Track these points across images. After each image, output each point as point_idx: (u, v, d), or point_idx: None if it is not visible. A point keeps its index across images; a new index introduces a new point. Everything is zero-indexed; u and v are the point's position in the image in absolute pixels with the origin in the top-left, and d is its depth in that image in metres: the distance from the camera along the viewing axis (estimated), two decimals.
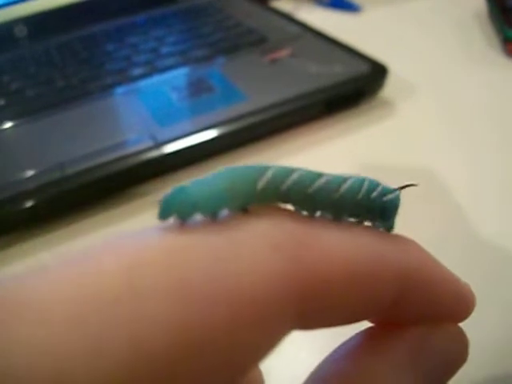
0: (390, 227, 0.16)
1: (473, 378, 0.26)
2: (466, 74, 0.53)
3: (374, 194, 0.15)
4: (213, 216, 0.13)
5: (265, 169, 0.14)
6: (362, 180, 0.15)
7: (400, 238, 0.16)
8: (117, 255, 0.12)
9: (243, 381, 0.15)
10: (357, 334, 0.17)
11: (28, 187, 0.37)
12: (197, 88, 0.47)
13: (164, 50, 0.55)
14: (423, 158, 0.41)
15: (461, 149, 0.42)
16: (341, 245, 0.14)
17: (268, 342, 0.13)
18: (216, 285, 0.11)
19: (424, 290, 0.15)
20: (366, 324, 0.17)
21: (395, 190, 0.16)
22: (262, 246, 0.12)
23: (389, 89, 0.48)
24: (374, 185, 0.15)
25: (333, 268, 0.13)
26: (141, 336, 0.10)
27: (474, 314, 0.17)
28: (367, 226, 0.16)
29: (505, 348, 0.28)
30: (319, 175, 0.15)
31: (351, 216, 0.15)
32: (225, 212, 0.13)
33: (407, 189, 0.16)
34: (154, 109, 0.45)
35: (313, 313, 0.13)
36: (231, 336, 0.12)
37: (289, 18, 0.60)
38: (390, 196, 0.15)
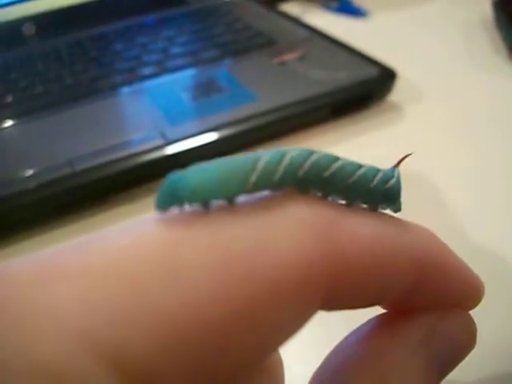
0: (397, 209, 0.16)
1: (478, 373, 0.26)
2: (472, 79, 0.53)
3: (375, 182, 0.15)
4: (206, 205, 0.13)
5: (256, 159, 0.14)
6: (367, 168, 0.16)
7: (418, 227, 0.16)
8: (163, 229, 0.12)
9: (265, 362, 0.16)
10: (370, 320, 0.17)
11: (36, 183, 0.37)
12: (207, 88, 0.47)
13: (174, 50, 0.55)
14: (429, 163, 0.41)
15: (467, 154, 0.43)
16: (367, 228, 0.14)
17: (299, 319, 0.13)
18: (256, 263, 0.12)
19: (439, 277, 0.16)
20: (378, 310, 0.17)
21: (393, 170, 0.16)
22: (298, 227, 0.13)
23: (396, 93, 0.49)
24: (375, 172, 0.16)
25: (361, 249, 0.14)
26: (191, 303, 0.11)
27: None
28: (385, 213, 0.16)
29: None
30: (309, 155, 0.14)
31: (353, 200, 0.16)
32: (248, 197, 0.14)
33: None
34: (163, 108, 0.45)
35: (340, 292, 0.14)
36: (268, 312, 0.12)
37: (297, 22, 0.60)
38: (392, 181, 0.16)
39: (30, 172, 0.38)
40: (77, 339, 0.10)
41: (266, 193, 0.14)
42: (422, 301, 0.16)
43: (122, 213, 0.39)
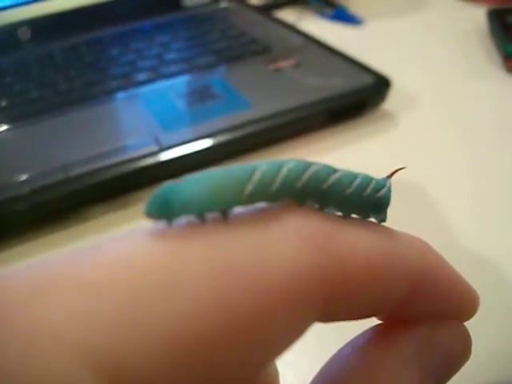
0: (383, 219, 0.16)
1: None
2: (467, 88, 0.53)
3: (368, 190, 0.15)
4: (200, 217, 0.13)
5: (252, 170, 0.13)
6: (360, 176, 0.15)
7: (412, 237, 0.16)
8: (160, 241, 0.12)
9: (261, 374, 0.16)
10: (365, 331, 0.17)
11: (29, 188, 0.37)
12: (201, 94, 0.47)
13: (169, 56, 0.55)
14: (424, 171, 0.41)
15: (460, 162, 0.43)
16: (363, 240, 0.14)
17: (296, 331, 0.13)
18: (253, 274, 0.12)
19: (434, 288, 0.16)
20: (371, 321, 0.17)
21: (385, 180, 0.16)
22: (294, 238, 0.13)
23: (391, 101, 0.49)
24: (368, 180, 0.16)
25: (357, 260, 0.14)
26: (188, 315, 0.11)
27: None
28: (379, 224, 0.16)
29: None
30: (307, 167, 0.14)
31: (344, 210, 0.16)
32: (241, 209, 0.14)
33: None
34: (158, 114, 0.45)
35: (337, 303, 0.14)
36: (265, 324, 0.12)
37: (293, 29, 0.60)
38: (383, 191, 0.16)
39: (23, 177, 0.38)
40: (72, 350, 0.10)
41: (262, 204, 0.14)
42: (417, 312, 0.16)
43: (116, 218, 0.39)
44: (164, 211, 0.13)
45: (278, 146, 0.45)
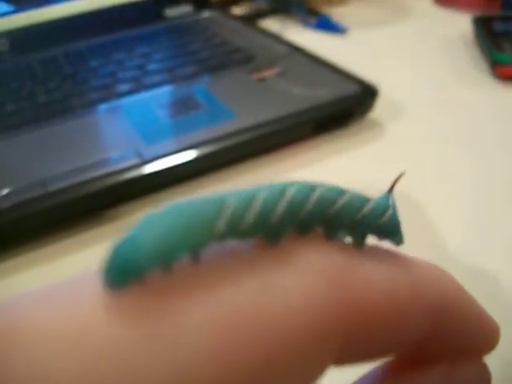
0: (400, 242, 0.15)
1: None
2: (453, 96, 0.53)
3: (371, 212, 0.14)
4: (167, 266, 0.11)
5: (222, 204, 0.12)
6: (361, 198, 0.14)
7: (431, 267, 0.15)
8: (151, 293, 0.11)
9: None
10: (376, 368, 0.16)
11: (7, 204, 0.36)
12: (184, 105, 0.46)
13: (150, 66, 0.54)
14: (412, 180, 0.40)
15: (449, 172, 0.42)
16: (382, 274, 0.13)
17: (310, 377, 0.12)
18: (265, 315, 0.11)
19: (457, 323, 0.15)
20: None
21: (387, 198, 0.15)
22: (310, 275, 0.12)
23: (377, 110, 0.48)
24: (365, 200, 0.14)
25: (376, 297, 0.13)
26: (185, 366, 0.10)
27: None
28: (394, 252, 0.15)
29: None
30: (311, 193, 0.13)
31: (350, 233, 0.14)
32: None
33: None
34: (139, 126, 0.44)
35: (355, 343, 0.13)
36: (280, 368, 0.11)
37: (276, 38, 0.60)
38: (389, 213, 0.15)
39: (5, 191, 0.36)
40: None
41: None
42: (437, 347, 0.15)
43: (98, 234, 0.37)
44: (126, 272, 0.10)
45: (263, 156, 0.44)
